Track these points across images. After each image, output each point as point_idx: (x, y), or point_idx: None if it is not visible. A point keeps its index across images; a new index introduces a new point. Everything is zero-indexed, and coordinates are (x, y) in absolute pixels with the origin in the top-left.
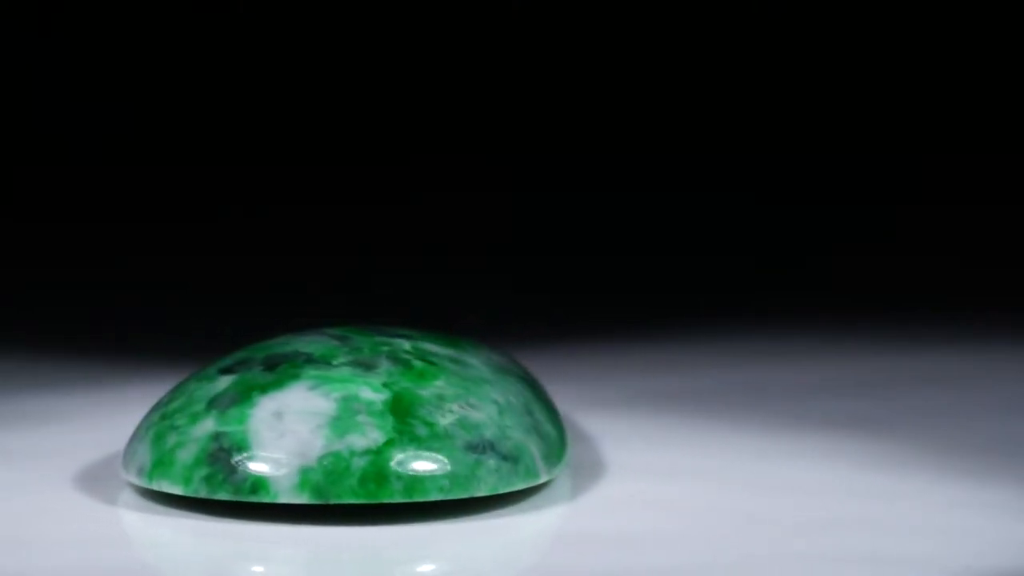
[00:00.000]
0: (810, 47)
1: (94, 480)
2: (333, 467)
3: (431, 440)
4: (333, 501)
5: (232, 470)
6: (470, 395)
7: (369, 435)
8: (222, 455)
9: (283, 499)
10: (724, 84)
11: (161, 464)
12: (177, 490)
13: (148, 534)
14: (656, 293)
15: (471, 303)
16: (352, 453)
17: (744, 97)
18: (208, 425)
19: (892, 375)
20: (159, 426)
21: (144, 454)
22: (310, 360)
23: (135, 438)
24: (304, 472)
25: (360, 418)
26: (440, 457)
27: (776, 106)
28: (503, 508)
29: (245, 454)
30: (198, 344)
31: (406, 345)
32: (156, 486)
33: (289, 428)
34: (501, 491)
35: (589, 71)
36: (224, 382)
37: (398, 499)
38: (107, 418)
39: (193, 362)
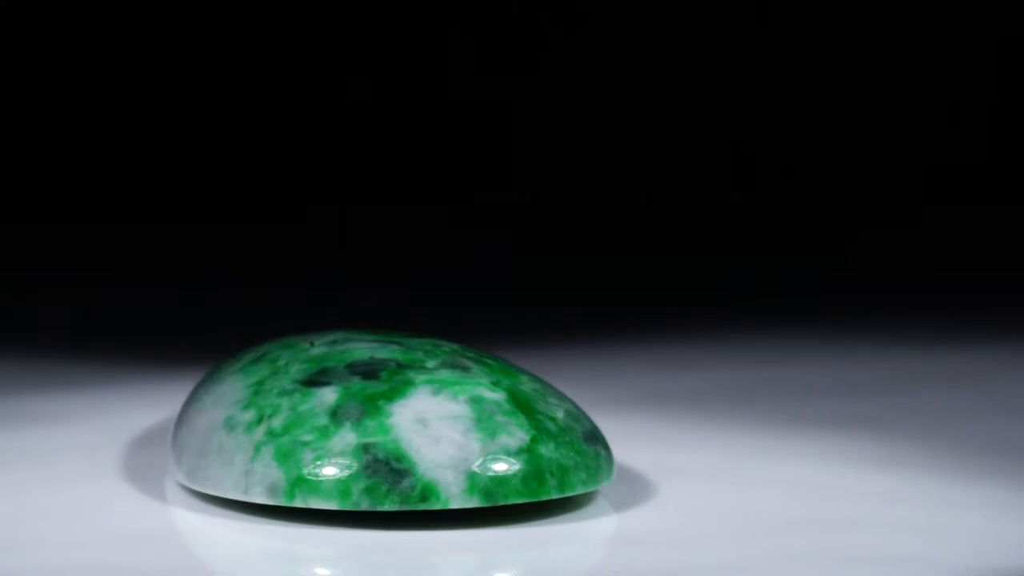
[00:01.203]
0: (809, 47)
1: (96, 479)
2: (488, 467)
3: (560, 434)
4: (500, 503)
5: (397, 480)
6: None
7: (516, 434)
8: (379, 466)
9: (453, 504)
10: (724, 84)
11: (304, 481)
12: (331, 505)
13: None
14: (657, 293)
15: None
16: (508, 453)
17: (744, 98)
18: (348, 438)
19: (892, 375)
20: (279, 443)
21: (271, 473)
22: (403, 366)
23: (215, 457)
24: (471, 476)
25: (499, 418)
26: (573, 451)
27: (776, 107)
28: (567, 510)
29: (407, 463)
30: (198, 344)
31: (448, 346)
32: (301, 503)
33: (440, 434)
34: (610, 481)
35: (596, 80)
36: (329, 393)
37: (553, 495)
38: (106, 418)
39: (192, 362)
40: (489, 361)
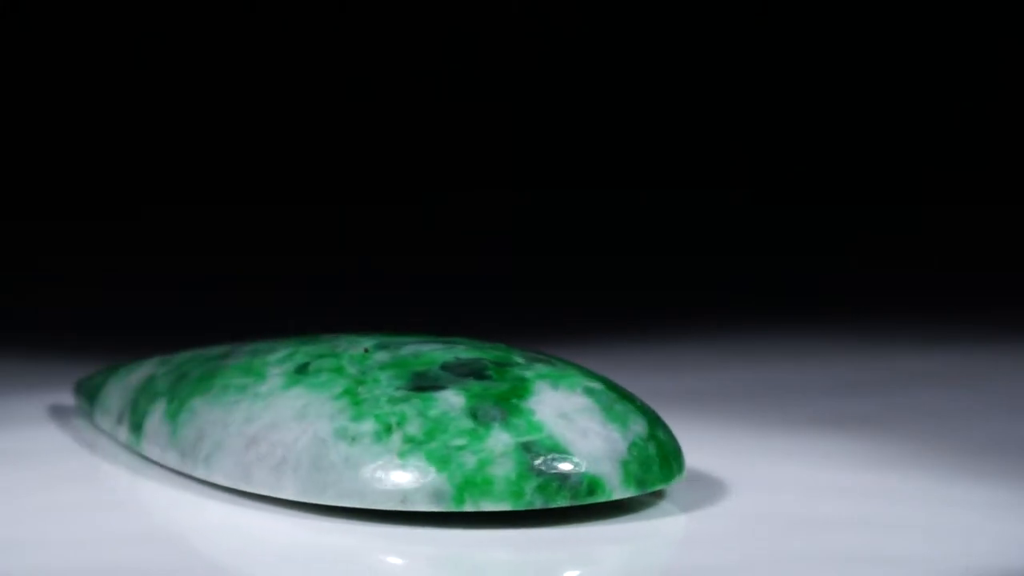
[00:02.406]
0: (809, 47)
1: (96, 479)
2: (641, 456)
3: (657, 421)
4: (649, 490)
5: (565, 476)
6: None
7: (637, 422)
8: (546, 463)
9: (616, 495)
10: (724, 84)
11: (473, 484)
12: (504, 506)
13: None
14: (657, 293)
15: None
16: (643, 440)
17: (744, 98)
18: (504, 438)
19: (892, 375)
20: (428, 449)
21: (431, 480)
22: (500, 364)
23: (344, 470)
24: (625, 465)
25: (617, 407)
26: (670, 436)
27: (776, 107)
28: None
29: (570, 458)
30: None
31: (490, 343)
32: (471, 507)
33: (584, 427)
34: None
35: (596, 80)
36: (453, 397)
37: (672, 482)
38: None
39: None
40: (540, 355)
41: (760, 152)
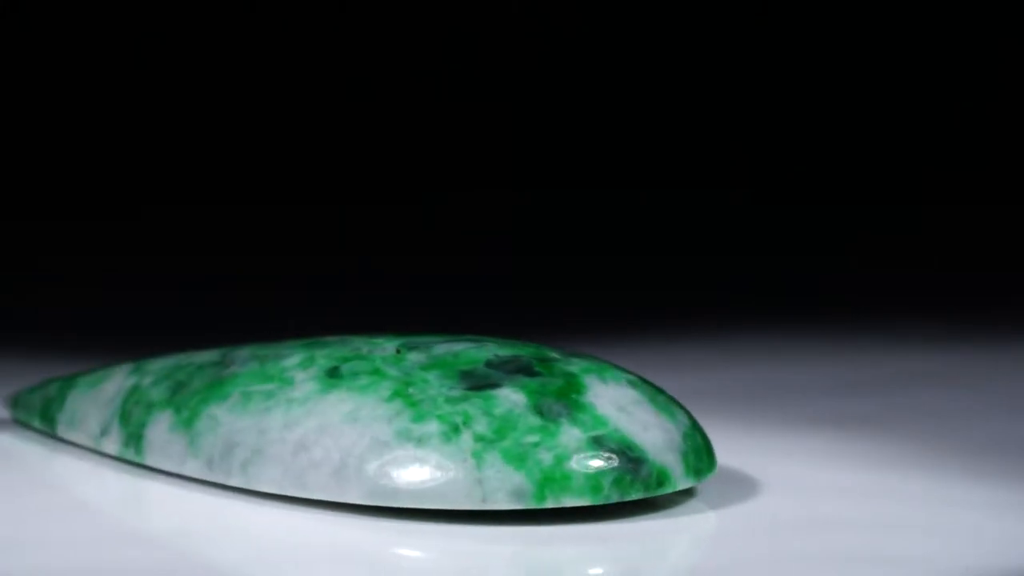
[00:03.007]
0: (809, 47)
1: (96, 479)
2: (693, 446)
3: (688, 413)
4: (704, 479)
5: (637, 469)
6: None
7: (679, 413)
8: (617, 457)
9: (680, 486)
10: (724, 85)
11: (552, 481)
12: (584, 501)
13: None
14: (657, 293)
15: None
16: (690, 431)
17: (744, 98)
18: (575, 434)
19: (892, 375)
20: (503, 448)
21: (510, 478)
22: (542, 359)
23: (416, 473)
24: (684, 456)
25: (659, 399)
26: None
27: (776, 107)
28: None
29: (637, 451)
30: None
31: (516, 341)
32: (553, 503)
33: (643, 419)
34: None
35: (596, 80)
36: (512, 394)
37: (715, 470)
38: None
39: None
40: (566, 350)
41: (760, 152)
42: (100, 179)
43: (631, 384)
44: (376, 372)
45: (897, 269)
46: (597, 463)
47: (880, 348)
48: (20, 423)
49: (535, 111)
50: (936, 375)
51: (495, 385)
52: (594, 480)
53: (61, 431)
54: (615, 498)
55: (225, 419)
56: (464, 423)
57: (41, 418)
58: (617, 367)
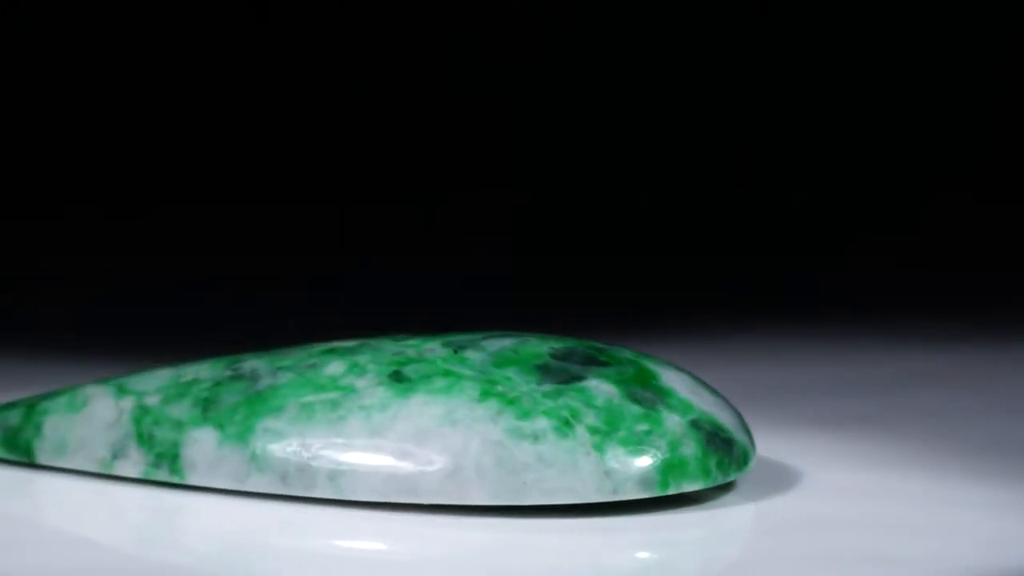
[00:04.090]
0: (809, 47)
1: (96, 479)
2: (746, 427)
3: None
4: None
5: (730, 450)
6: None
7: (718, 396)
8: (715, 439)
9: (751, 465)
10: (724, 84)
11: (672, 467)
12: (697, 486)
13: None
14: (657, 293)
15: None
16: (736, 414)
17: (745, 97)
18: (675, 419)
19: (892, 375)
20: (620, 438)
21: (633, 467)
22: (597, 349)
23: (542, 469)
24: (748, 435)
25: (705, 383)
26: None
27: (776, 107)
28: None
29: (726, 433)
30: (198, 344)
31: (547, 335)
32: (674, 490)
33: (713, 402)
34: None
35: (596, 80)
36: (601, 386)
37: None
38: None
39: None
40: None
41: (760, 152)
42: (100, 179)
43: (678, 370)
44: (448, 373)
45: (897, 269)
46: (703, 447)
47: (880, 348)
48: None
49: (535, 111)
50: (936, 375)
51: (580, 377)
52: (703, 463)
53: (44, 459)
54: (719, 480)
55: (290, 432)
56: (573, 417)
57: (7, 448)
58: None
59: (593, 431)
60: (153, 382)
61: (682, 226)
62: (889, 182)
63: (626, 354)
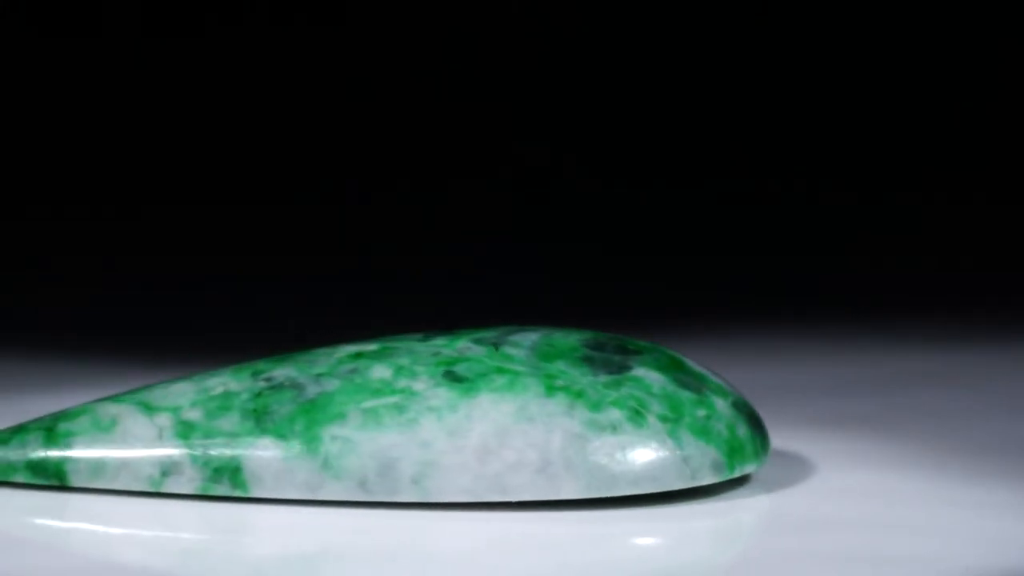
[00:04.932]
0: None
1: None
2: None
3: None
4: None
5: (763, 431)
6: None
7: None
8: (755, 420)
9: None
10: (724, 84)
11: (735, 451)
12: (751, 468)
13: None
14: (657, 293)
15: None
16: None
17: (745, 97)
18: (721, 403)
19: (892, 375)
20: (689, 424)
21: (706, 453)
22: (622, 339)
23: (632, 459)
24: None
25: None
26: None
27: (776, 107)
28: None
29: (758, 415)
30: (198, 344)
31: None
32: (738, 472)
33: (731, 384)
34: None
35: (596, 80)
36: (651, 373)
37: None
38: None
39: (192, 362)
40: None
41: (760, 152)
42: (100, 179)
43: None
44: (503, 371)
45: (897, 269)
46: (749, 428)
47: (880, 348)
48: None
49: (535, 111)
50: (936, 375)
51: (627, 367)
52: (753, 446)
53: (80, 481)
54: (764, 460)
55: (361, 438)
56: (641, 406)
57: (32, 473)
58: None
59: (663, 419)
60: (180, 397)
61: (682, 226)
62: (889, 182)
63: (643, 343)
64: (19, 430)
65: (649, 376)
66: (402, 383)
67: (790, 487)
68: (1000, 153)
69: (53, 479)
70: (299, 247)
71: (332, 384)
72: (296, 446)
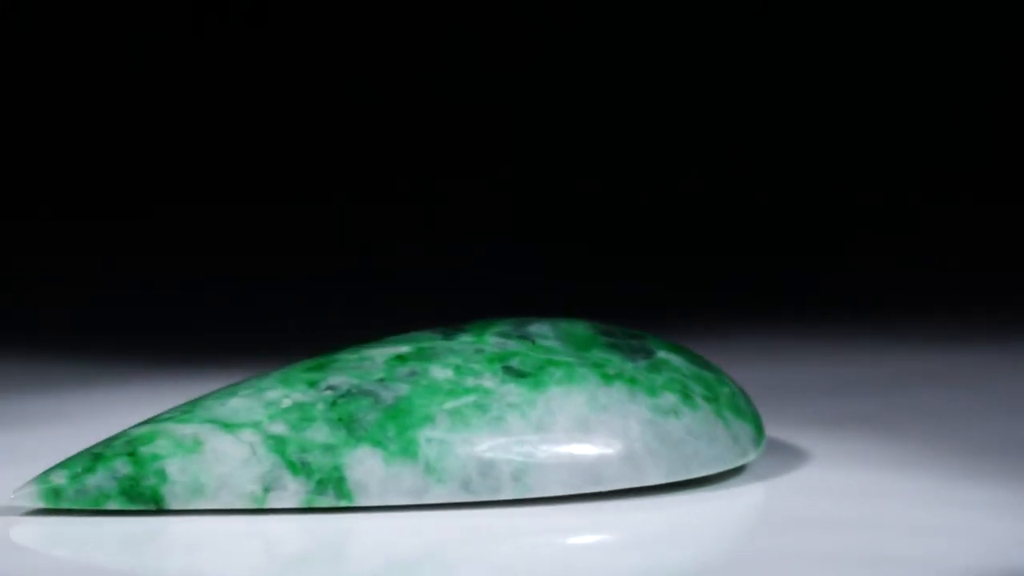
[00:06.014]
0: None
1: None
2: None
3: None
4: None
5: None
6: None
7: None
8: (754, 405)
9: None
10: (724, 84)
11: (758, 428)
12: (762, 444)
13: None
14: (657, 293)
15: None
16: None
17: (745, 97)
18: (728, 389)
19: (892, 375)
20: (730, 406)
21: (746, 431)
22: (616, 327)
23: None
24: None
25: None
26: None
27: (777, 107)
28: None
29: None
30: (197, 344)
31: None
32: (764, 446)
33: None
34: None
35: (596, 80)
36: (673, 358)
37: None
38: (106, 418)
39: (192, 362)
40: None
41: (760, 152)
42: (101, 179)
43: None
44: (554, 363)
45: (897, 269)
46: (755, 413)
47: (880, 348)
48: (65, 511)
49: (535, 111)
50: (936, 375)
51: (651, 351)
52: (759, 428)
53: (178, 503)
54: (762, 445)
55: (455, 439)
56: (687, 389)
57: (129, 500)
58: None
59: (707, 400)
60: (251, 412)
61: (682, 225)
62: (889, 182)
63: (629, 330)
64: (96, 458)
65: (672, 359)
66: (470, 382)
67: (790, 486)
68: (1000, 153)
69: (149, 503)
70: (299, 247)
71: (402, 388)
72: (395, 453)
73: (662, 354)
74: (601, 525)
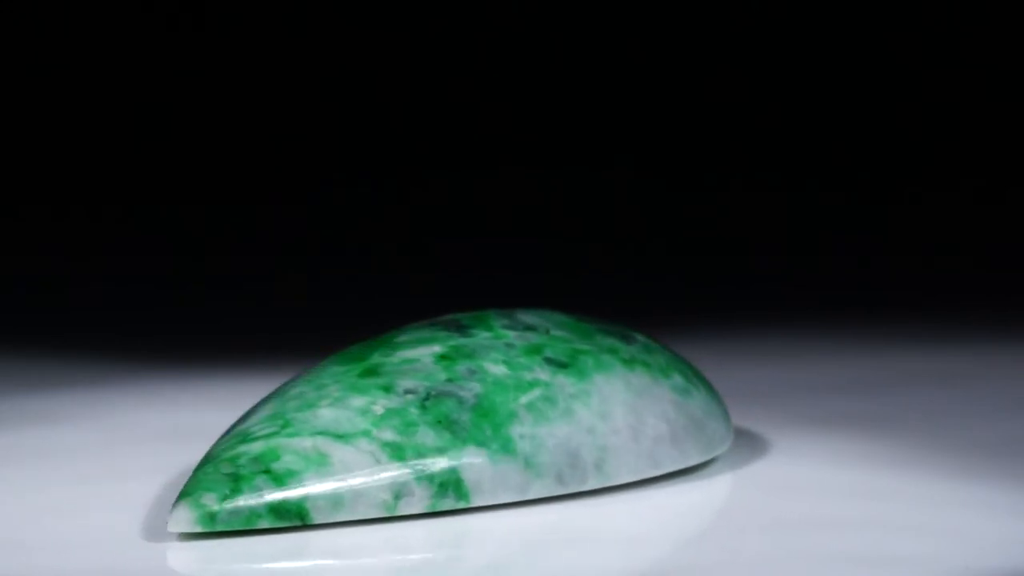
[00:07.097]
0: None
1: (95, 479)
2: None
3: None
4: None
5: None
6: None
7: None
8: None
9: None
10: (725, 84)
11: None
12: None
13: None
14: (657, 293)
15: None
16: None
17: (745, 97)
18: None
19: (892, 375)
20: (705, 385)
21: (722, 406)
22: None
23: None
24: None
25: None
26: None
27: (777, 107)
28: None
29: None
30: (197, 344)
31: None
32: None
33: None
34: None
35: (596, 79)
36: (647, 340)
37: None
38: (106, 418)
39: (191, 362)
40: None
41: (760, 152)
42: (101, 179)
43: None
44: (579, 351)
45: (897, 269)
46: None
47: (880, 348)
48: (223, 535)
49: (535, 111)
50: (936, 375)
51: (632, 335)
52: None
53: (321, 517)
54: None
55: (541, 433)
56: (684, 369)
57: (277, 517)
58: None
59: (698, 379)
60: (354, 422)
61: (682, 225)
62: (889, 181)
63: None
64: (236, 479)
65: (649, 341)
66: (527, 376)
67: (790, 486)
68: (1000, 153)
69: (295, 519)
70: (300, 247)
71: (474, 387)
72: (498, 451)
73: (640, 336)
74: (600, 521)
